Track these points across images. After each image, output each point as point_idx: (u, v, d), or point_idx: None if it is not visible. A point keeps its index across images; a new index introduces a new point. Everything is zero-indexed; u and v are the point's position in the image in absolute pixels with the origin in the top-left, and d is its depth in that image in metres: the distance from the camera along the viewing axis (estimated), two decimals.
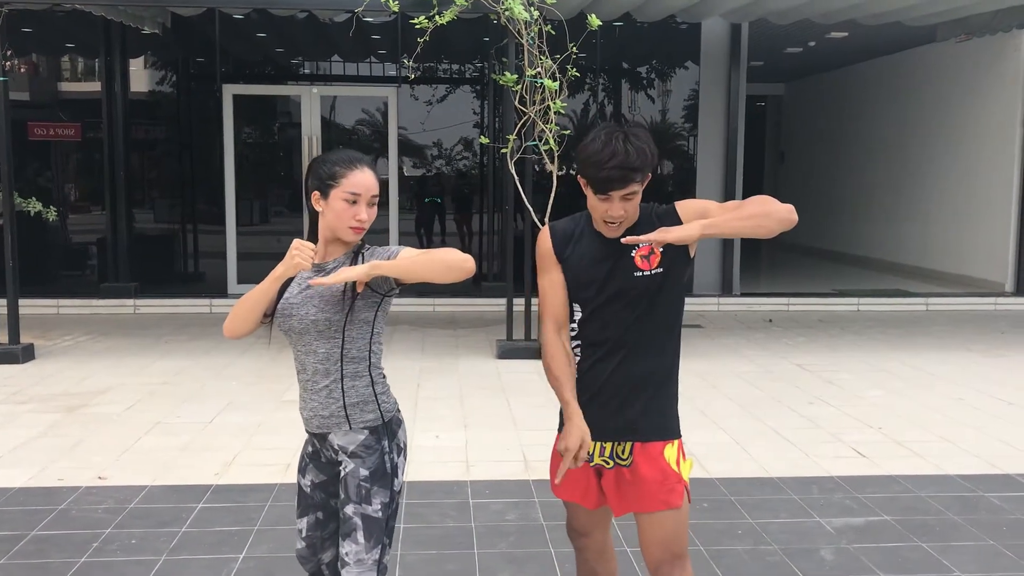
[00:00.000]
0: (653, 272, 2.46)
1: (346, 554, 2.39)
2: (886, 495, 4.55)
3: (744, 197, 2.55)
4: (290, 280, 2.46)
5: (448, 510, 4.31)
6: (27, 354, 7.60)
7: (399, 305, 8.84)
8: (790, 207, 2.40)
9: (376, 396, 2.46)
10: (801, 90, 17.99)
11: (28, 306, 8.81)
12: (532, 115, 7.10)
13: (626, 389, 2.50)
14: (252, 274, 10.84)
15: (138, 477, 4.74)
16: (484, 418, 5.95)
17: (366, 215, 2.41)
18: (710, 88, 11.33)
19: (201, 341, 8.55)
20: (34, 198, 8.13)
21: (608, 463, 2.53)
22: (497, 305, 9.45)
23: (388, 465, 2.44)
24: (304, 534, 2.57)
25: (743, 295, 11.24)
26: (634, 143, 2.38)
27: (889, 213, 14.38)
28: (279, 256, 2.50)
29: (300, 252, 2.30)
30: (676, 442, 2.54)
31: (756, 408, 6.24)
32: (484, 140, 8.21)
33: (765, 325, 9.78)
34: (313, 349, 2.42)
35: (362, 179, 2.40)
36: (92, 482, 4.65)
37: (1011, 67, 11.60)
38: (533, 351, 7.80)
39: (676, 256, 2.48)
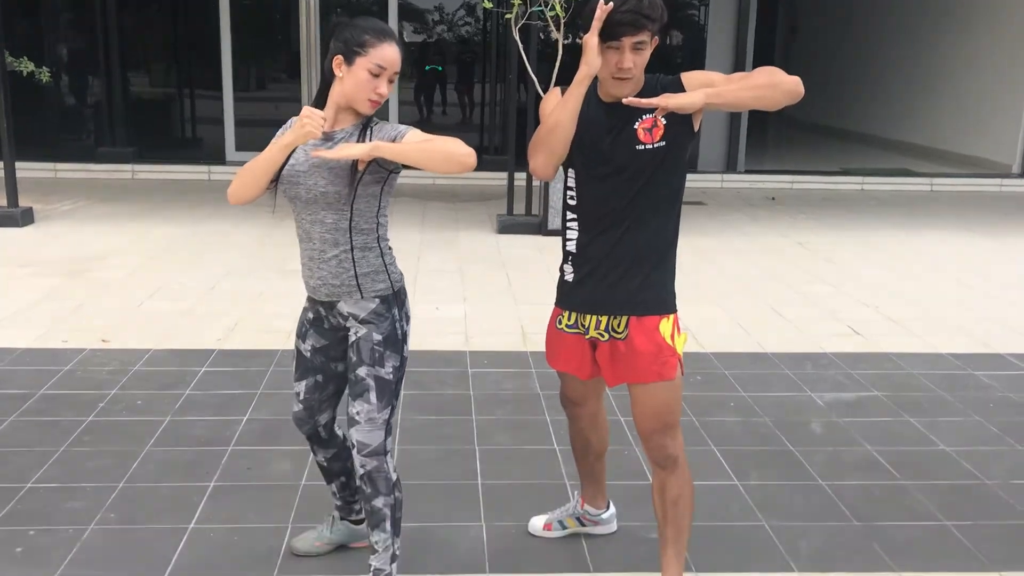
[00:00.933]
0: (656, 145, 2.41)
1: (357, 413, 2.46)
2: (878, 372, 4.63)
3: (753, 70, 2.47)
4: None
5: (447, 379, 4.40)
6: (26, 217, 7.58)
7: (399, 177, 8.79)
8: (797, 79, 2.34)
9: (386, 266, 2.49)
10: None
11: (25, 169, 8.73)
12: None
13: (625, 263, 2.50)
14: (250, 141, 10.69)
15: (141, 341, 4.81)
16: (483, 291, 5.99)
17: (386, 89, 2.37)
18: None
19: (201, 208, 8.52)
20: (25, 58, 7.89)
21: (603, 336, 2.55)
22: (498, 179, 9.38)
23: (399, 331, 2.49)
24: (302, 396, 2.63)
25: (747, 172, 11.13)
26: None
27: (899, 91, 14.07)
28: (278, 123, 2.45)
29: (311, 120, 2.26)
30: (672, 316, 2.55)
31: (754, 285, 6.28)
32: (487, 5, 7.86)
33: (768, 203, 9.73)
34: (320, 219, 2.42)
35: (390, 53, 2.35)
36: (96, 345, 4.73)
37: None
38: (533, 226, 7.78)
39: (680, 130, 2.43)
